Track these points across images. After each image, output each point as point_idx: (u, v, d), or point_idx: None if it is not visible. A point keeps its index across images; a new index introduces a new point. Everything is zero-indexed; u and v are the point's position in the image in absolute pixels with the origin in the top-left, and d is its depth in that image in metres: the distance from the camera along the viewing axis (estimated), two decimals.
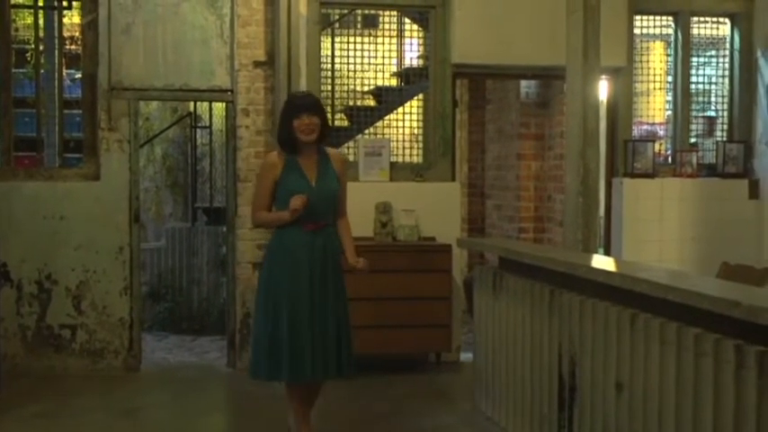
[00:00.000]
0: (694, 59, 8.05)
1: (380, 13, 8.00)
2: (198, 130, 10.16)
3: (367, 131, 7.66)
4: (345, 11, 7.79)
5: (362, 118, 7.61)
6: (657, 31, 8.13)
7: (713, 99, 8.22)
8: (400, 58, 8.06)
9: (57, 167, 7.37)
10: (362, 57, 7.60)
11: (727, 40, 8.05)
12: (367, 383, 6.39)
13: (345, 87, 7.65)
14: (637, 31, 7.89)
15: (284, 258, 4.77)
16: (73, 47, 8.87)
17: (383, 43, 7.84)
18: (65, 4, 7.50)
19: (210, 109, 9.73)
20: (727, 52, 8.05)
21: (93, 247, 7.10)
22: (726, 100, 8.08)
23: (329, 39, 7.64)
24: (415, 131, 7.79)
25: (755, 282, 5.72)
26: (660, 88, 8.21)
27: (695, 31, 8.02)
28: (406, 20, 7.97)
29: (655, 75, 8.14)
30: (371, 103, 7.83)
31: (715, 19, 8.08)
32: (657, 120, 8.39)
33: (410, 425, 5.79)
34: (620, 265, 5.01)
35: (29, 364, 7.03)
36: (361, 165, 7.29)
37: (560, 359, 4.65)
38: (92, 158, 7.17)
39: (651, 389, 3.75)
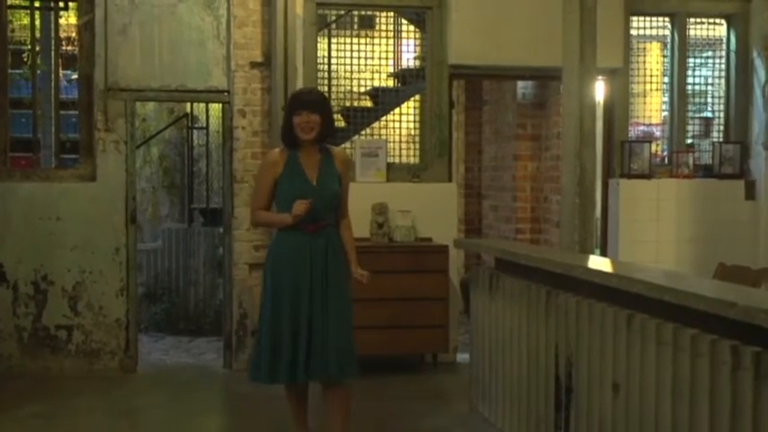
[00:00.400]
0: (690, 60, 8.06)
1: (377, 13, 8.00)
2: (194, 131, 10.15)
3: (364, 132, 7.66)
4: (342, 12, 7.79)
5: (359, 119, 7.61)
6: (654, 32, 8.14)
7: (709, 100, 8.23)
8: (397, 58, 8.06)
9: (53, 168, 7.36)
10: (359, 58, 7.60)
11: (724, 41, 8.07)
12: (363, 384, 6.35)
13: (342, 88, 7.65)
14: (633, 32, 7.90)
15: (284, 261, 4.71)
16: (69, 47, 8.87)
17: (380, 44, 7.84)
18: (61, 4, 7.48)
19: (207, 110, 9.72)
20: (724, 53, 8.06)
21: (90, 248, 7.09)
22: (722, 101, 8.09)
23: (326, 40, 7.64)
24: (412, 132, 7.79)
25: (752, 282, 5.72)
26: (656, 89, 8.22)
27: (691, 33, 8.03)
28: (403, 21, 7.97)
29: (651, 76, 8.15)
30: (368, 103, 7.83)
31: (711, 20, 8.09)
32: (654, 120, 8.40)
33: (407, 426, 5.79)
34: (616, 265, 5.01)
35: (25, 365, 7.02)
36: (357, 166, 7.29)
37: (557, 360, 4.65)
38: (88, 159, 7.16)
39: (647, 389, 3.75)
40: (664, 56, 8.30)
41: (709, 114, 8.25)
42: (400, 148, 7.69)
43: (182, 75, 7.22)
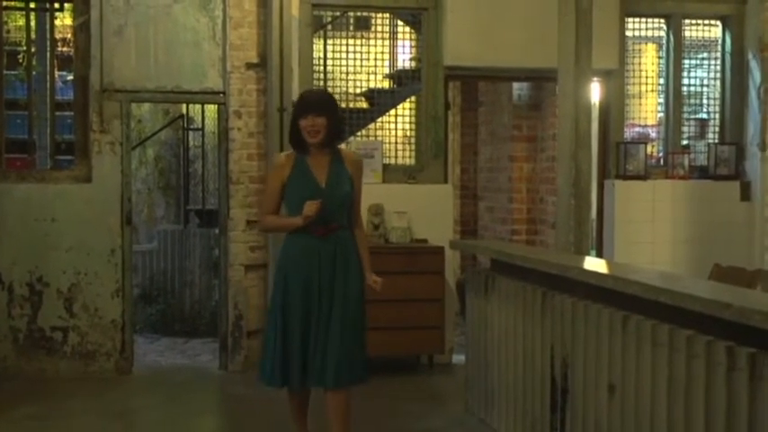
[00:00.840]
0: (686, 62, 8.07)
1: (373, 15, 8.00)
2: (190, 132, 10.14)
3: (359, 134, 7.65)
4: (338, 13, 7.79)
5: (355, 120, 7.60)
6: (649, 33, 8.15)
7: (705, 101, 8.24)
8: (393, 60, 8.06)
9: (48, 169, 7.35)
10: (355, 59, 7.60)
11: (719, 42, 8.07)
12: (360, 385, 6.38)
13: (338, 89, 7.63)
14: (629, 33, 7.91)
15: (294, 264, 4.62)
16: (65, 49, 8.86)
17: (375, 45, 7.84)
18: (56, 5, 7.49)
19: (203, 111, 9.72)
20: (719, 55, 8.07)
21: (85, 250, 7.08)
22: (717, 102, 8.10)
23: (321, 41, 7.64)
24: (408, 134, 7.80)
25: (747, 283, 5.72)
26: (652, 90, 8.24)
27: (687, 34, 8.04)
28: (399, 22, 7.98)
29: (646, 77, 8.17)
30: (364, 105, 7.83)
31: (707, 21, 8.10)
32: (649, 122, 8.41)
33: (402, 427, 5.79)
34: (612, 266, 5.01)
35: (20, 367, 7.00)
36: None
37: (552, 361, 4.65)
38: (83, 160, 7.15)
39: (643, 390, 3.75)
40: (659, 57, 8.32)
41: (705, 116, 8.26)
42: (396, 150, 7.69)
43: (177, 76, 7.21)
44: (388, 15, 7.89)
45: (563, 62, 6.02)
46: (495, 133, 10.08)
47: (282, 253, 4.75)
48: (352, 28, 8.17)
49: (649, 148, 8.00)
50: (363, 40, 7.85)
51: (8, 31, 8.87)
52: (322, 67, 7.56)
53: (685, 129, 8.10)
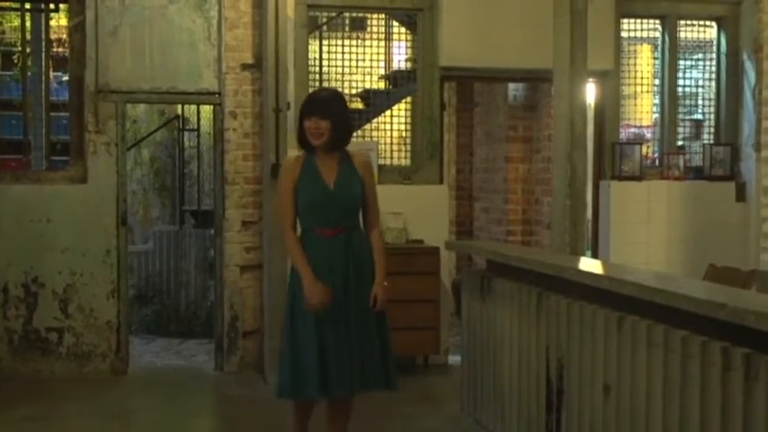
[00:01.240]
0: (681, 63, 8.09)
1: (368, 15, 8.00)
2: (185, 133, 10.14)
3: (355, 134, 7.63)
4: (333, 14, 7.79)
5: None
6: (644, 34, 8.16)
7: (700, 102, 8.25)
8: (388, 60, 8.06)
9: (43, 170, 7.33)
10: (350, 60, 7.60)
11: (714, 43, 8.09)
12: None
13: None
14: (624, 34, 7.92)
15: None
16: (60, 49, 8.84)
17: (371, 46, 7.83)
18: (52, 6, 7.47)
19: (198, 112, 9.71)
20: (714, 55, 8.09)
21: (80, 251, 7.07)
22: (712, 103, 8.11)
23: (317, 41, 7.64)
24: (403, 134, 7.79)
25: (742, 284, 5.73)
26: (647, 91, 8.25)
27: (682, 35, 8.06)
28: (394, 23, 7.97)
29: (642, 78, 8.18)
30: (359, 105, 7.82)
31: (702, 22, 8.12)
32: (644, 122, 8.43)
33: (397, 428, 5.79)
34: (607, 267, 5.02)
35: (15, 368, 6.99)
36: None
37: (548, 362, 4.65)
38: (79, 161, 7.14)
39: (638, 391, 3.76)
40: (654, 58, 8.33)
41: (700, 116, 8.27)
42: (391, 150, 7.69)
43: (172, 76, 7.20)
44: (383, 16, 7.89)
45: (558, 63, 6.03)
46: (490, 134, 10.08)
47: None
48: (347, 29, 8.17)
49: (645, 149, 8.01)
50: (359, 41, 7.86)
51: (3, 32, 8.89)
52: (317, 68, 7.56)
53: (680, 129, 8.11)
